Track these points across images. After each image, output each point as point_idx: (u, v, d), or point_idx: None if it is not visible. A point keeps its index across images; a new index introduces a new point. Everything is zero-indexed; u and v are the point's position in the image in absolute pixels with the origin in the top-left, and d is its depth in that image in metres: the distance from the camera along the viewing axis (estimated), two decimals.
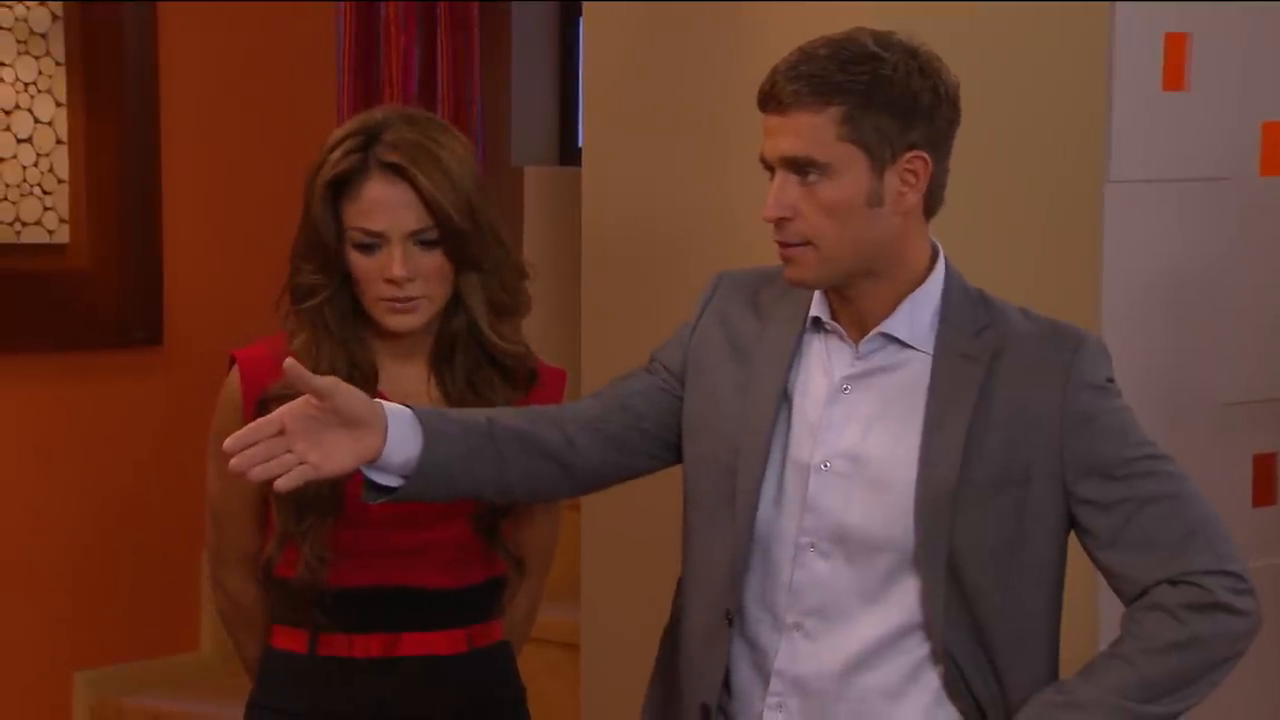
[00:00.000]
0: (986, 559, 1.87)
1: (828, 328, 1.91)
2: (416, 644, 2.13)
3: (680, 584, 2.01)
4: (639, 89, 2.86)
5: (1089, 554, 1.92)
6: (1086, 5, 2.72)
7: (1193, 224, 2.87)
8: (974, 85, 2.63)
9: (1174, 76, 2.80)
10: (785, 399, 1.91)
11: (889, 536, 1.87)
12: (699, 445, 1.95)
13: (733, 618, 1.90)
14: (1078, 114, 2.73)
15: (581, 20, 3.03)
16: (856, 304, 1.89)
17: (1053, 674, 1.93)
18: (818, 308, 1.92)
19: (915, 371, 1.90)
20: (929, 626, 1.87)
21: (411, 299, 2.07)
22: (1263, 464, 2.99)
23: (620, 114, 2.89)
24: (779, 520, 1.90)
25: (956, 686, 1.88)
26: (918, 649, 1.88)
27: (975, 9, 2.62)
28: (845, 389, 1.90)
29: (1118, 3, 2.73)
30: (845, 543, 1.88)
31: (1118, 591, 1.92)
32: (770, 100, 1.86)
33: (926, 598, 1.86)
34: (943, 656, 1.87)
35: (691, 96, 2.76)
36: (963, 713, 1.89)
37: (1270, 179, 2.93)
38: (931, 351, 1.89)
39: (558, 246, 3.89)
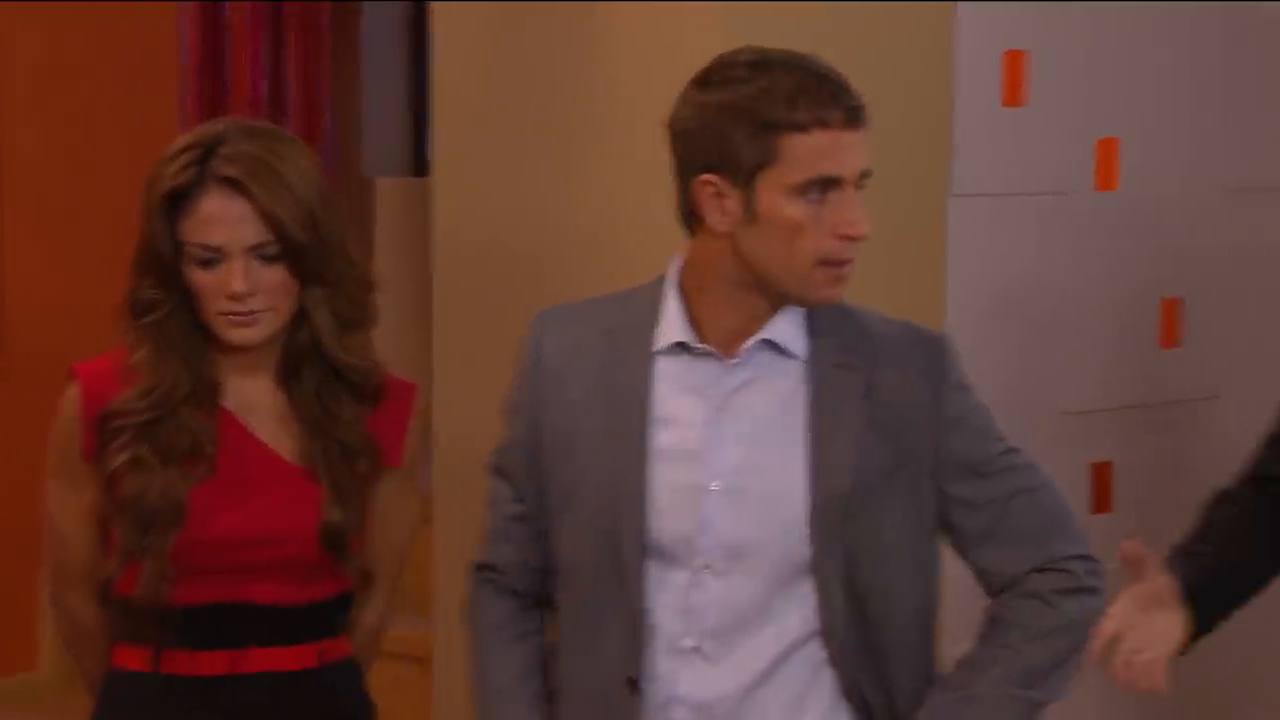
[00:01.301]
0: (878, 563, 1.91)
1: (697, 350, 1.90)
2: (262, 660, 2.10)
3: (560, 650, 1.98)
4: (490, 94, 2.85)
5: (959, 551, 1.98)
6: (929, 22, 2.77)
7: (1032, 238, 2.94)
8: None
9: (1013, 93, 2.86)
10: (652, 441, 1.89)
11: (784, 549, 1.89)
12: (574, 514, 1.93)
13: (637, 682, 1.89)
14: (922, 129, 2.78)
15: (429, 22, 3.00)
16: (738, 315, 1.89)
17: (932, 672, 1.97)
18: (679, 332, 1.90)
19: (792, 381, 1.91)
20: (826, 633, 1.90)
21: (253, 312, 2.05)
22: (1100, 472, 3.06)
23: (471, 121, 2.88)
24: (674, 556, 1.89)
25: (850, 691, 1.92)
26: (814, 657, 1.91)
27: (821, 25, 2.65)
28: (723, 407, 1.90)
29: (959, 18, 2.78)
30: (741, 560, 1.89)
31: (987, 584, 1.98)
32: (849, 114, 1.84)
33: (823, 605, 1.89)
34: (837, 662, 1.91)
35: (543, 101, 2.76)
36: (855, 717, 1.92)
37: (1105, 194, 3.01)
38: (805, 359, 1.91)
39: (411, 258, 3.86)
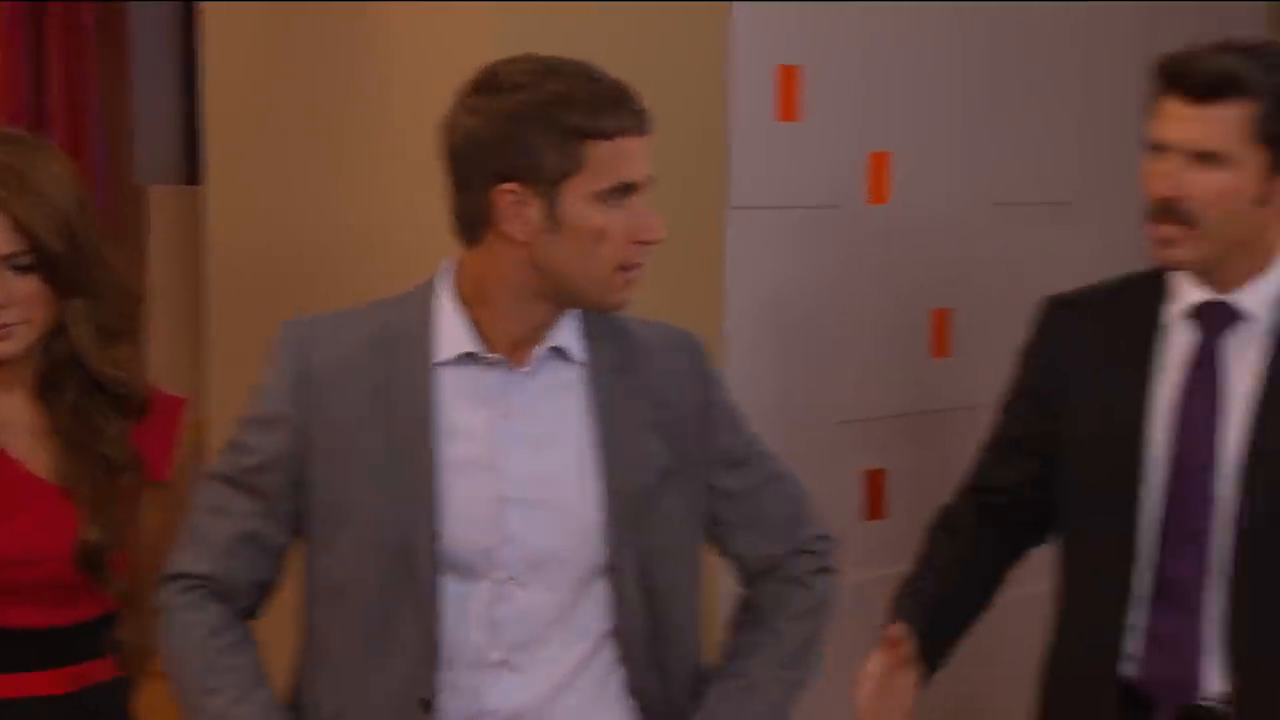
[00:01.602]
0: (664, 560, 1.95)
1: (486, 360, 1.89)
2: (15, 686, 2.03)
3: (329, 672, 1.92)
4: (262, 98, 2.80)
5: (715, 542, 2.03)
6: (703, 36, 2.80)
7: (808, 249, 2.99)
8: None
9: (788, 107, 2.91)
10: (442, 453, 1.87)
11: (583, 555, 1.90)
12: (354, 531, 1.88)
13: (430, 702, 1.87)
14: (700, 142, 2.81)
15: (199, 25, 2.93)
16: (524, 323, 1.88)
17: (699, 663, 2.01)
18: (466, 342, 1.88)
19: (575, 386, 1.92)
20: (619, 633, 1.93)
21: (6, 325, 1.98)
22: (873, 479, 3.13)
23: (243, 126, 2.82)
24: (474, 569, 1.87)
25: (636, 688, 1.95)
26: (607, 657, 1.94)
27: (597, 32, 2.66)
28: (512, 415, 1.89)
29: (733, 34, 2.82)
30: (543, 569, 1.89)
31: (743, 571, 2.05)
32: (641, 121, 1.87)
33: (618, 606, 1.92)
34: (627, 660, 1.93)
35: (317, 105, 2.72)
36: (637, 712, 1.95)
37: (877, 207, 3.08)
38: (584, 364, 1.92)
39: (185, 268, 3.76)
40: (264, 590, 1.94)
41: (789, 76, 2.90)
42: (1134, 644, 2.20)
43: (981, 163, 3.24)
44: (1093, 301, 2.32)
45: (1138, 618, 2.20)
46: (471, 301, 1.89)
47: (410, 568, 1.85)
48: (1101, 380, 2.24)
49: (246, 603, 1.94)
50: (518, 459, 1.88)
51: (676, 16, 2.75)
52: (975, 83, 3.21)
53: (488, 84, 1.84)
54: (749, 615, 2.04)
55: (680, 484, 1.95)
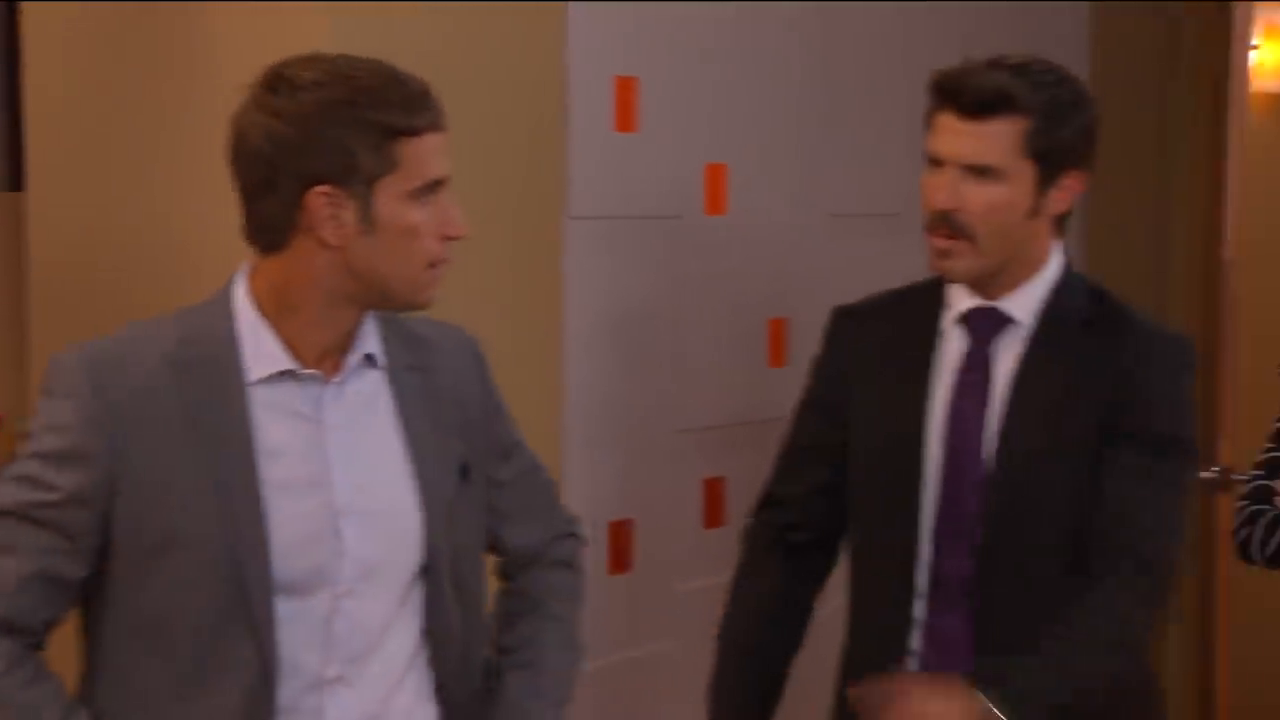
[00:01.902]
0: (467, 556, 1.97)
1: (302, 375, 1.85)
2: None
3: (152, 704, 1.83)
4: (86, 102, 2.73)
5: (491, 532, 2.05)
6: (540, 47, 2.78)
7: (647, 260, 2.99)
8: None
9: (625, 118, 2.92)
10: (265, 474, 1.82)
11: (408, 561, 1.90)
12: (175, 562, 1.80)
13: None
14: (539, 151, 2.80)
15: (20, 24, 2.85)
16: (332, 330, 1.86)
17: (482, 654, 2.03)
18: (281, 360, 1.83)
19: (380, 390, 1.92)
20: (432, 632, 1.94)
21: None
22: (713, 488, 3.15)
23: (66, 130, 2.75)
24: (307, 587, 1.84)
25: (440, 686, 1.95)
26: (422, 659, 1.94)
27: (431, 39, 2.64)
28: (332, 428, 1.86)
29: (570, 45, 2.81)
30: (373, 580, 1.87)
31: (511, 560, 2.09)
32: (441, 117, 1.86)
33: (434, 608, 1.93)
34: (435, 661, 1.94)
35: (143, 108, 2.65)
36: (444, 708, 1.96)
37: (715, 218, 3.10)
38: (384, 367, 1.92)
39: (6, 275, 3.65)
40: (53, 626, 1.86)
41: (626, 87, 2.91)
42: (916, 641, 2.27)
43: (816, 174, 3.28)
44: (876, 310, 2.40)
45: (919, 616, 2.26)
46: (275, 312, 1.84)
47: (243, 593, 1.80)
48: (882, 387, 2.31)
49: (34, 639, 1.84)
50: (343, 472, 1.86)
51: (513, 26, 2.74)
52: (809, 95, 3.25)
53: (282, 84, 1.79)
54: (526, 604, 2.07)
55: (475, 480, 1.98)
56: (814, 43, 3.24)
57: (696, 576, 3.10)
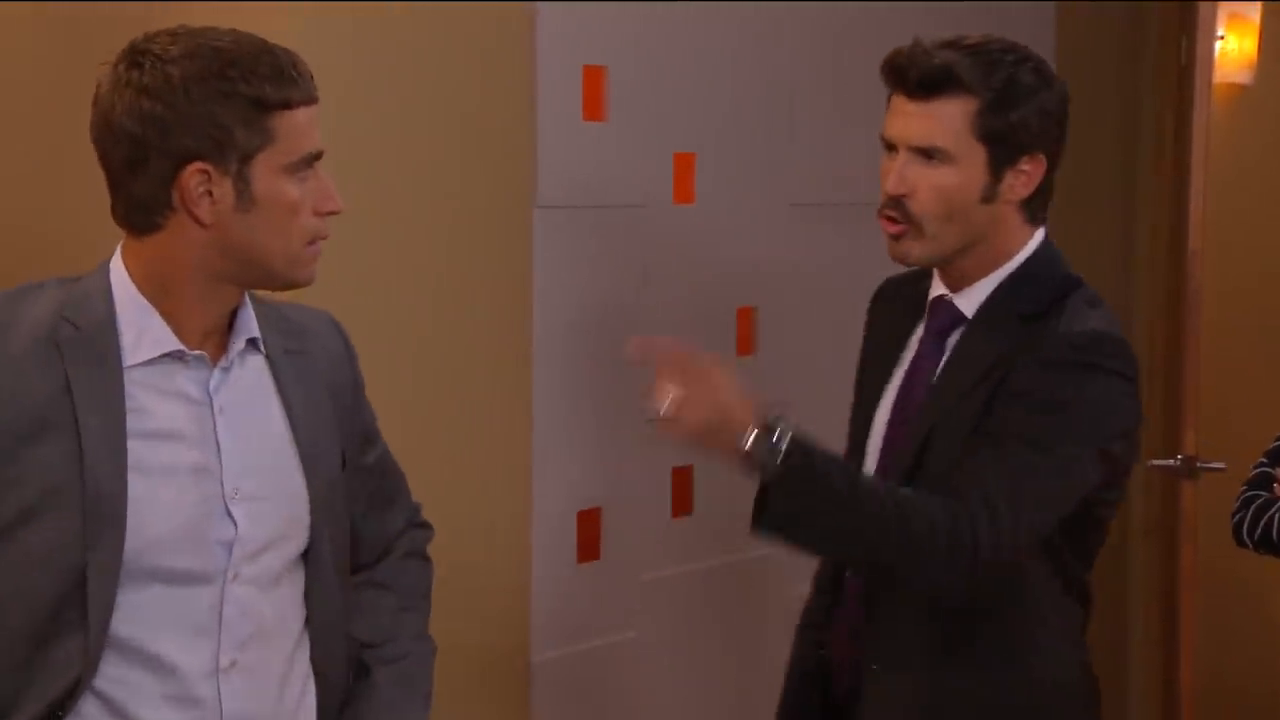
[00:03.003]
0: (344, 541, 1.97)
1: (189, 357, 1.81)
2: None
3: None
4: (33, 97, 2.73)
5: (351, 519, 2.01)
6: (509, 35, 2.78)
7: (616, 249, 3.00)
8: (412, 118, 2.67)
9: (593, 107, 2.92)
10: (146, 459, 1.77)
11: (294, 544, 1.89)
12: (23, 548, 1.73)
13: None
14: (508, 141, 2.80)
15: None
16: (211, 312, 1.82)
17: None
18: (166, 341, 1.79)
19: (263, 374, 1.89)
20: (314, 619, 1.92)
21: None
22: (681, 477, 3.15)
23: (12, 123, 2.75)
24: (194, 574, 1.80)
25: (321, 670, 1.94)
26: (304, 641, 1.92)
27: (403, 33, 2.64)
28: (217, 412, 1.82)
29: (539, 34, 2.80)
30: (261, 564, 1.85)
31: (366, 548, 2.04)
32: (312, 89, 1.81)
33: (316, 590, 1.91)
34: (317, 642, 1.93)
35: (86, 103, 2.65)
36: (319, 696, 1.94)
37: (682, 206, 3.11)
38: (265, 353, 1.89)
39: None
40: None
41: (594, 76, 2.91)
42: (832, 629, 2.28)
43: (783, 163, 3.29)
44: (893, 288, 2.39)
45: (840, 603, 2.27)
46: (154, 294, 1.79)
47: (84, 580, 1.73)
48: (870, 362, 2.32)
49: None
50: (234, 456, 1.82)
51: (482, 16, 2.74)
52: (777, 85, 3.26)
53: (147, 59, 1.73)
54: (388, 596, 2.05)
55: (349, 464, 1.96)
56: (782, 34, 3.25)
57: (664, 565, 3.12)
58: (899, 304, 2.33)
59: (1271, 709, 4.16)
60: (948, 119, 2.11)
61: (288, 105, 1.75)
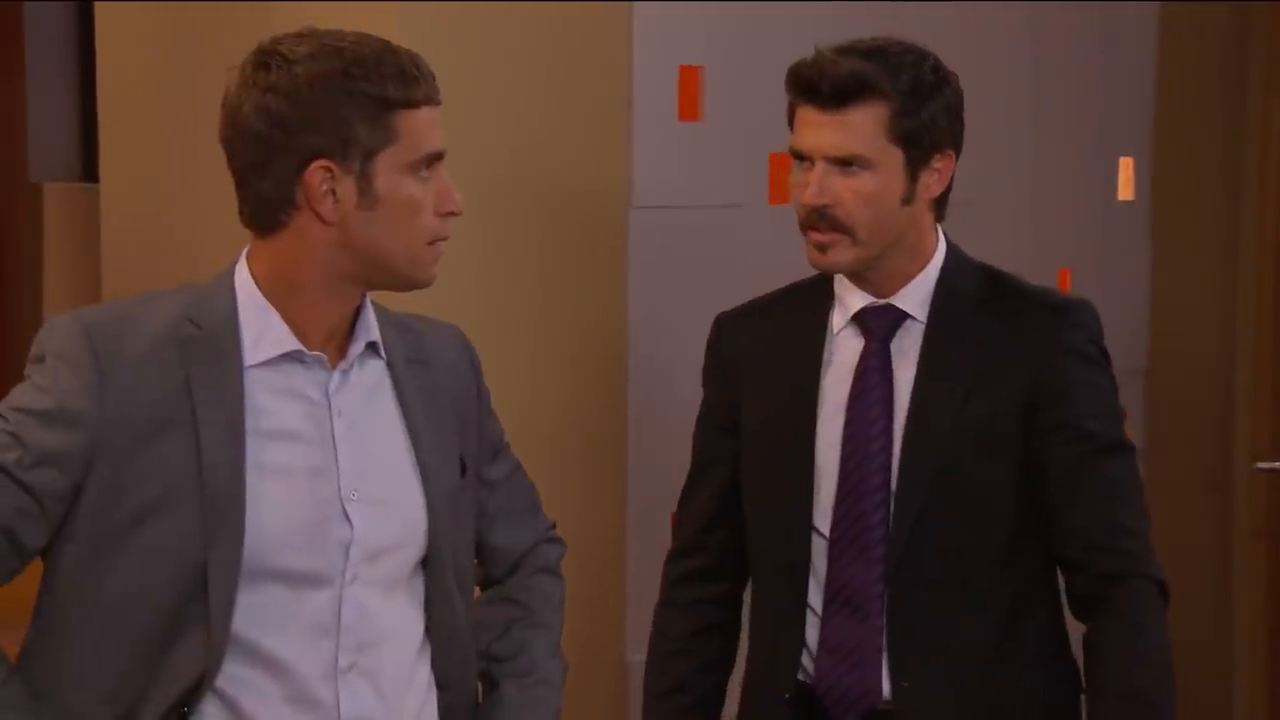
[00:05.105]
0: (466, 550, 1.97)
1: (308, 358, 1.83)
2: None
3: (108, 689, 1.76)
4: (159, 98, 2.77)
5: (478, 534, 2.02)
6: (605, 36, 2.80)
7: (711, 249, 3.00)
8: (509, 118, 2.69)
9: (689, 107, 2.92)
10: (264, 458, 1.78)
11: (411, 550, 1.89)
12: (146, 546, 1.76)
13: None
14: (603, 142, 2.82)
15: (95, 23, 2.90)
16: (334, 313, 1.83)
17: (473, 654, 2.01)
18: (286, 341, 1.81)
19: (383, 380, 1.89)
20: (434, 628, 1.92)
21: None
22: None
23: (140, 126, 2.79)
24: (312, 575, 1.81)
25: (442, 680, 1.93)
26: (426, 654, 1.92)
27: (501, 34, 2.66)
28: (336, 415, 1.84)
29: (635, 34, 2.82)
30: (379, 567, 1.85)
31: (495, 563, 2.05)
32: (436, 89, 1.83)
33: (437, 600, 1.91)
34: (437, 654, 1.92)
35: (210, 104, 2.69)
36: (442, 707, 1.94)
37: (779, 207, 3.09)
38: (385, 357, 1.90)
39: (80, 265, 3.71)
40: None
41: (690, 76, 2.91)
42: (814, 654, 2.20)
43: None
44: (759, 310, 2.33)
45: (815, 627, 2.20)
46: (277, 294, 1.81)
47: (205, 578, 1.75)
48: (770, 390, 2.24)
49: None
50: (351, 457, 1.83)
51: (579, 15, 2.75)
52: None
53: (274, 59, 1.76)
54: (518, 610, 2.04)
55: (470, 477, 1.96)
56: (875, 32, 3.23)
57: None
58: (775, 325, 2.27)
59: None
60: (863, 126, 2.11)
61: (410, 104, 1.77)
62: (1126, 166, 3.73)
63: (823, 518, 2.19)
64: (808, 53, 2.97)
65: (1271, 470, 3.65)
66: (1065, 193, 3.60)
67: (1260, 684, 3.99)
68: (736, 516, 2.30)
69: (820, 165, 2.13)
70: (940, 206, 2.20)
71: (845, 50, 2.14)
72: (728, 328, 2.34)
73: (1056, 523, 2.15)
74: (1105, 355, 2.20)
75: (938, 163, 2.15)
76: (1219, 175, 4.08)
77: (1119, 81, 3.69)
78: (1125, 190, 3.74)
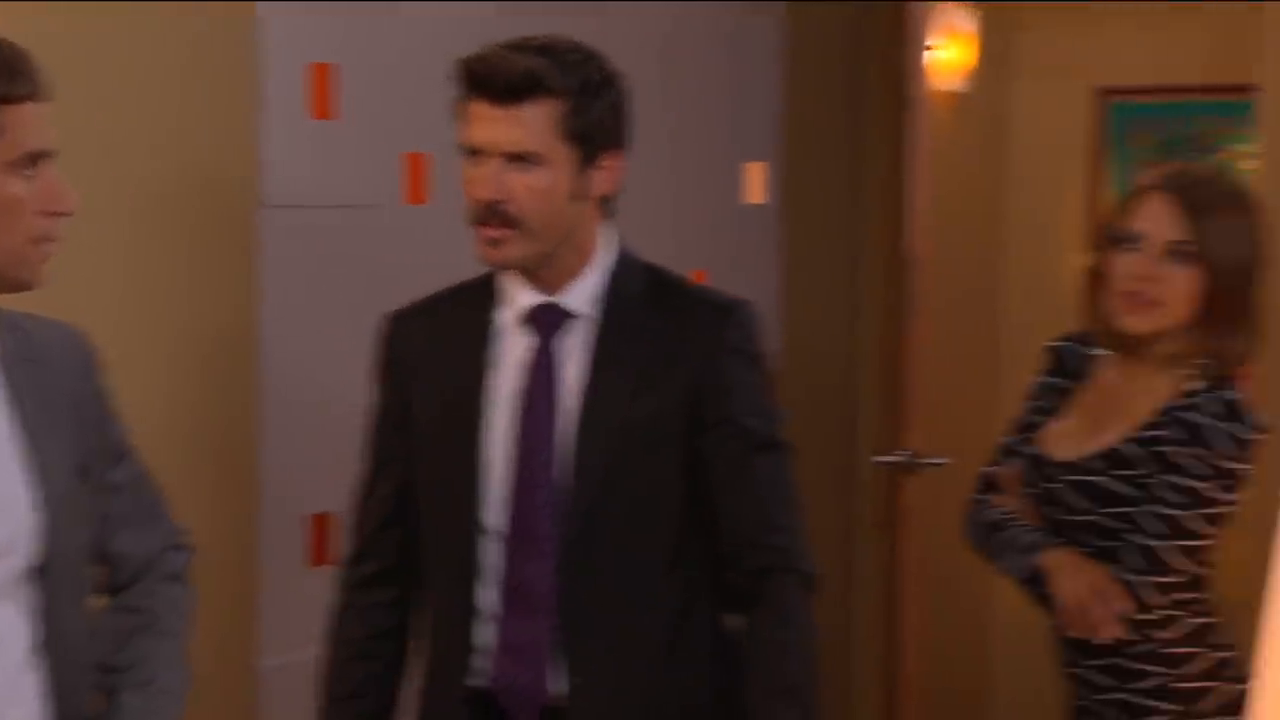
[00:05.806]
0: (84, 559, 1.91)
1: None
2: None
3: None
4: None
5: (98, 540, 1.96)
6: (230, 33, 2.73)
7: (346, 249, 2.96)
8: (136, 119, 2.59)
9: (321, 105, 2.87)
10: None
11: (19, 557, 1.82)
12: None
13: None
14: (230, 140, 2.74)
15: None
16: None
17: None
18: None
19: None
20: (49, 641, 1.84)
21: None
22: None
23: None
24: None
25: (60, 695, 1.87)
26: (36, 667, 1.85)
27: (118, 31, 2.56)
28: None
29: (262, 31, 2.76)
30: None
31: (116, 571, 2.00)
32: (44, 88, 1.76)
33: (53, 612, 1.84)
34: (51, 670, 1.86)
35: None
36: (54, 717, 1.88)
37: (413, 207, 3.08)
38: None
39: None
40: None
41: (321, 74, 2.87)
42: (488, 654, 2.22)
43: None
44: (424, 309, 2.34)
45: (493, 627, 2.21)
46: None
47: None
48: (437, 388, 2.25)
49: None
50: None
51: (201, 14, 2.68)
52: None
53: None
54: (139, 619, 1.99)
55: (90, 482, 1.90)
56: (507, 33, 3.24)
57: None
58: (440, 323, 2.29)
59: (981, 695, 4.33)
60: (536, 122, 2.13)
61: (12, 100, 1.70)
62: (757, 170, 3.85)
63: (496, 516, 2.19)
64: (445, 53, 2.96)
65: (888, 464, 3.83)
66: (699, 196, 3.70)
67: (877, 672, 4.19)
68: (413, 515, 2.29)
69: (495, 160, 2.13)
70: (609, 204, 2.23)
71: (518, 47, 2.15)
72: (394, 326, 2.32)
73: (716, 519, 2.20)
74: (763, 355, 2.27)
75: (606, 161, 2.18)
76: (845, 178, 4.26)
77: (748, 84, 3.81)
78: (756, 194, 3.87)
